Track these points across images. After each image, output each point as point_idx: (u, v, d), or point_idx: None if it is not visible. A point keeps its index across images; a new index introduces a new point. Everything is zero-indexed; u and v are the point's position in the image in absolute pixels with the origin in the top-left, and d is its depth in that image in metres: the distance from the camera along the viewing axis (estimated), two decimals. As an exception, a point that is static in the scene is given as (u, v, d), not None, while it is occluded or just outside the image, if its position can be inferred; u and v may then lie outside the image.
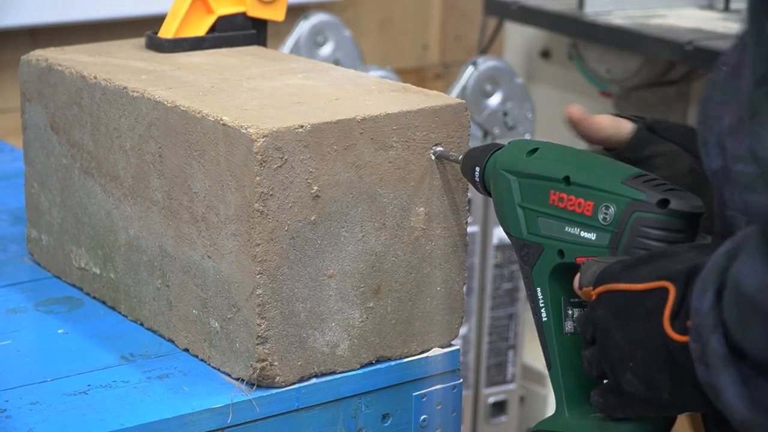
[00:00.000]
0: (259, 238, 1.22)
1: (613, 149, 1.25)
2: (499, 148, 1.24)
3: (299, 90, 1.36)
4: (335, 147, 1.25)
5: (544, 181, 1.16)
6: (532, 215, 1.17)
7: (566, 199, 1.13)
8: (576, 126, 1.24)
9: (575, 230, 1.13)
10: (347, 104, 1.30)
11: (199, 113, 1.28)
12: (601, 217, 1.10)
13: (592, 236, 1.11)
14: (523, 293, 2.45)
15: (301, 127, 1.23)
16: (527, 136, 2.34)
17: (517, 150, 1.21)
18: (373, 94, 1.34)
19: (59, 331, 1.37)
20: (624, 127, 1.22)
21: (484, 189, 1.25)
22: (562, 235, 1.14)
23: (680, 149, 1.18)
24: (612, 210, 1.09)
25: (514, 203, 1.18)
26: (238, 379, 1.27)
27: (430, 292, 1.34)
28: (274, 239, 1.24)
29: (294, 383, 1.27)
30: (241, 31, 1.55)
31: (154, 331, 1.38)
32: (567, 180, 1.14)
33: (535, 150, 1.19)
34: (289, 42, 2.46)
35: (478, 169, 1.25)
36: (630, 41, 2.43)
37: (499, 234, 2.35)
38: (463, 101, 1.34)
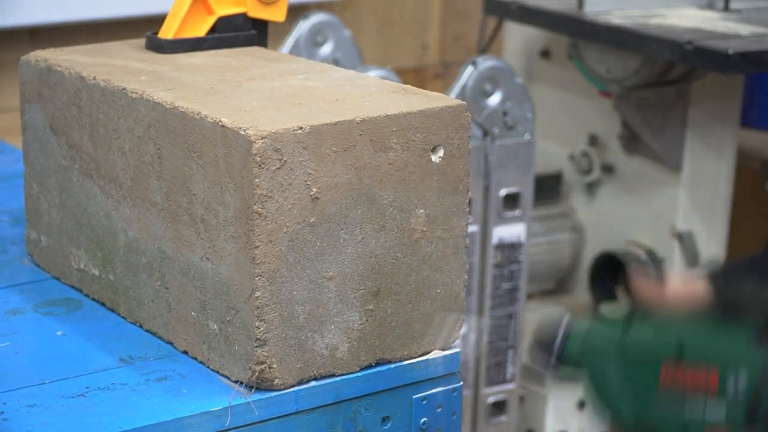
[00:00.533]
0: (257, 240, 1.21)
1: None
2: (576, 326, 1.06)
3: (299, 91, 1.35)
4: (335, 148, 1.24)
5: (651, 360, 1.00)
6: (641, 399, 1.01)
7: (682, 375, 0.98)
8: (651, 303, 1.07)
9: (699, 409, 0.97)
10: (347, 105, 1.29)
11: (198, 114, 1.27)
12: (730, 390, 0.95)
13: (721, 413, 0.96)
14: (522, 293, 2.44)
15: (300, 128, 1.22)
16: (527, 137, 2.32)
17: (607, 328, 1.04)
18: (373, 95, 1.34)
19: (58, 333, 1.37)
20: (698, 290, 1.05)
21: (568, 374, 1.08)
22: (683, 415, 0.98)
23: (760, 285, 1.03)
24: (742, 380, 0.94)
25: (616, 390, 1.02)
26: (236, 382, 1.27)
27: (430, 294, 1.33)
28: (273, 241, 1.22)
29: (293, 386, 1.26)
30: (241, 32, 1.55)
31: (153, 333, 1.37)
32: (679, 354, 0.98)
33: (628, 323, 1.02)
34: (289, 42, 2.45)
35: (554, 354, 1.08)
36: (630, 41, 2.41)
37: (499, 234, 2.34)
38: (464, 102, 1.33)
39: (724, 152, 2.60)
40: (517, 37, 2.85)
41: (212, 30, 1.53)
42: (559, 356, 1.08)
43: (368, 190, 1.27)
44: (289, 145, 1.21)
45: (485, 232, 2.36)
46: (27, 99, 1.53)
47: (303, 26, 2.45)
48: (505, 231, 2.37)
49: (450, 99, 1.34)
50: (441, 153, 1.31)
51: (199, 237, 1.29)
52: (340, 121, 1.24)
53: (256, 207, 1.21)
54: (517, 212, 2.37)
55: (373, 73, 2.21)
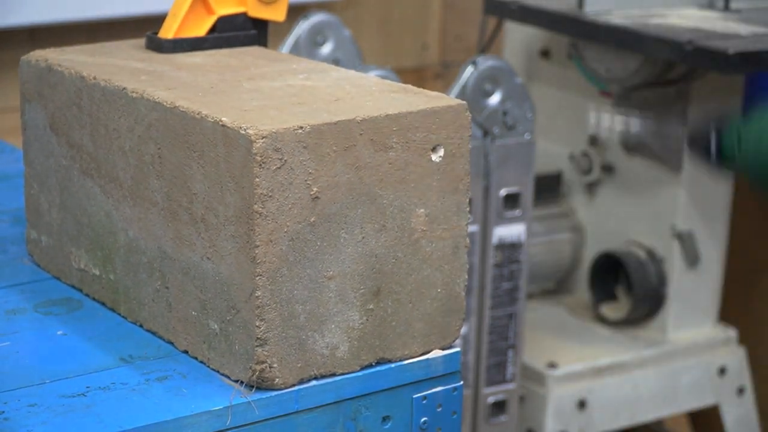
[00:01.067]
0: (258, 239, 1.21)
1: None
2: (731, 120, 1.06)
3: (299, 91, 1.34)
4: (335, 148, 1.24)
5: None
6: None
7: None
8: None
9: None
10: (347, 105, 1.28)
11: (198, 114, 1.26)
12: None
13: None
14: (522, 293, 2.44)
15: (301, 128, 1.21)
16: (527, 136, 2.32)
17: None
18: (373, 95, 1.33)
19: (58, 333, 1.36)
20: None
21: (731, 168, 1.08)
22: None
23: None
24: None
25: None
26: (237, 381, 1.26)
27: (431, 294, 1.32)
28: (274, 241, 1.22)
29: (293, 385, 1.25)
30: (241, 32, 1.54)
31: (154, 333, 1.36)
32: None
33: None
34: (289, 41, 2.45)
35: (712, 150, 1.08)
36: (630, 41, 2.41)
37: (499, 234, 2.34)
38: (464, 102, 1.32)
39: (724, 152, 2.60)
40: (517, 36, 2.84)
41: (212, 30, 1.53)
42: (719, 152, 1.07)
43: (368, 189, 1.27)
44: (289, 144, 1.21)
45: (485, 232, 2.35)
46: (27, 99, 1.52)
47: (303, 26, 2.44)
48: (505, 231, 2.37)
49: (450, 99, 1.33)
50: (441, 152, 1.31)
51: (200, 236, 1.28)
52: (340, 120, 1.24)
53: (256, 206, 1.20)
54: (517, 212, 2.36)
55: (373, 73, 2.21)
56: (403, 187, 1.29)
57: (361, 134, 1.26)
